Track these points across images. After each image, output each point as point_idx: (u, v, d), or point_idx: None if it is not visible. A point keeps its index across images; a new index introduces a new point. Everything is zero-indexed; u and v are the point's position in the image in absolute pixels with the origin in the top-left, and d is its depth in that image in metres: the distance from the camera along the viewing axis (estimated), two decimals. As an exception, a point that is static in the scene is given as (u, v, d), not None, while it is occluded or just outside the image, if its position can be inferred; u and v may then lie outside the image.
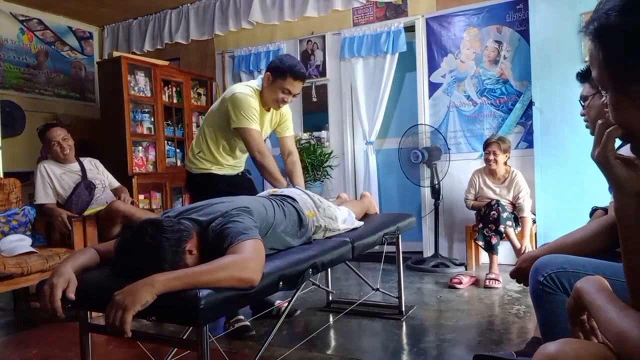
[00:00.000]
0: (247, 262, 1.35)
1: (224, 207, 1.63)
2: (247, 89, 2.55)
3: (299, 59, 4.69)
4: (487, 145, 3.60)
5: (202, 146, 2.64)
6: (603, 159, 0.76)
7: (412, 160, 3.95)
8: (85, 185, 3.26)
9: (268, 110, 2.64)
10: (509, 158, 3.62)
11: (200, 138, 2.66)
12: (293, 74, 2.50)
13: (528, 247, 3.37)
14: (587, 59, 3.08)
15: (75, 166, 3.32)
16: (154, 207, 4.52)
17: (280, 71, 2.49)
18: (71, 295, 1.32)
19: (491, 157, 3.55)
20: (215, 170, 2.65)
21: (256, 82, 2.61)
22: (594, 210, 1.81)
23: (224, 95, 2.61)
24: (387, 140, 4.75)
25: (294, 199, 2.05)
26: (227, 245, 1.42)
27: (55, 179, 3.22)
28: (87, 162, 3.42)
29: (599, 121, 0.79)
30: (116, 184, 3.52)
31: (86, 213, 3.13)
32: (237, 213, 1.57)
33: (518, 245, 3.37)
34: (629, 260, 0.78)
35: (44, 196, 3.18)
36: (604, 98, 0.79)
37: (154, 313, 1.23)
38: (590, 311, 0.82)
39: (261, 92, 2.58)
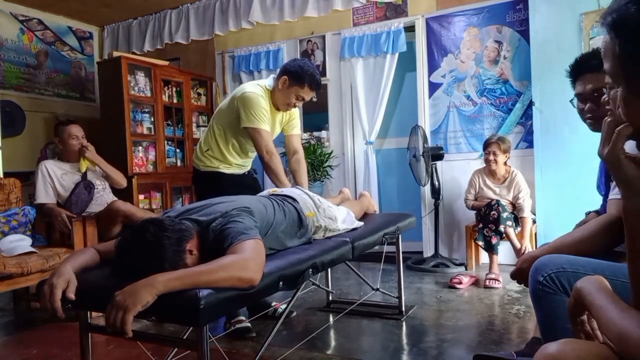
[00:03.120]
0: (247, 261, 1.35)
1: (224, 207, 1.63)
2: (257, 88, 2.54)
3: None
4: (487, 145, 3.61)
5: (211, 144, 2.64)
6: (614, 157, 0.74)
7: (408, 161, 3.97)
8: (85, 185, 3.26)
9: (278, 110, 2.64)
10: (508, 158, 3.62)
11: (209, 136, 2.66)
12: (311, 84, 2.51)
13: (528, 247, 3.37)
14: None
15: (77, 166, 3.33)
16: (154, 207, 4.52)
17: (299, 78, 2.49)
18: (71, 295, 1.32)
19: (491, 157, 3.55)
20: (223, 169, 2.65)
21: (267, 82, 2.60)
22: (587, 215, 1.82)
23: (234, 93, 2.61)
24: (387, 140, 4.75)
25: (294, 199, 2.05)
26: (227, 245, 1.42)
27: (56, 179, 3.22)
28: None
29: (607, 119, 0.77)
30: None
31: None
32: (237, 213, 1.57)
33: (518, 245, 3.37)
34: (635, 259, 0.78)
35: (45, 196, 3.18)
36: (614, 91, 0.77)
37: (154, 313, 1.23)
38: (590, 311, 0.82)
39: (272, 92, 2.57)
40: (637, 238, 0.77)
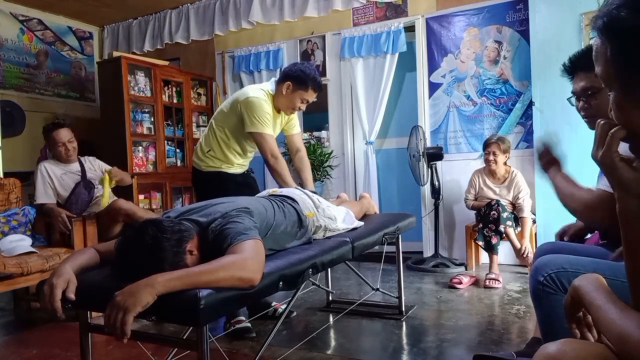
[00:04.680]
0: (246, 261, 1.35)
1: (223, 207, 1.63)
2: (260, 93, 2.57)
3: (299, 59, 4.72)
4: (486, 145, 3.60)
5: (212, 145, 2.65)
6: (608, 160, 0.74)
7: (408, 161, 3.97)
8: (84, 185, 3.26)
9: (278, 112, 2.67)
10: (508, 158, 3.61)
11: (210, 137, 2.67)
12: (315, 86, 2.56)
13: (528, 247, 3.37)
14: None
15: (76, 166, 3.32)
16: (154, 207, 4.52)
17: (302, 82, 2.53)
18: (71, 295, 1.32)
19: (491, 157, 3.55)
20: (225, 168, 2.67)
21: (269, 86, 2.63)
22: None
23: (237, 97, 2.62)
24: (387, 140, 4.75)
25: (293, 200, 2.05)
26: (227, 245, 1.42)
27: (55, 179, 3.22)
28: (88, 162, 3.42)
29: (601, 121, 0.77)
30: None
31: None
32: (237, 214, 1.57)
33: (518, 245, 3.37)
34: (632, 260, 0.78)
35: (44, 196, 3.18)
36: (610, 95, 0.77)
37: (154, 313, 1.22)
38: (589, 310, 0.81)
39: (274, 96, 2.61)
40: (633, 239, 0.76)
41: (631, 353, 0.67)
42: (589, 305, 0.81)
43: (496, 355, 1.85)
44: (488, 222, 3.41)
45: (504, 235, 3.38)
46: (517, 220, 3.49)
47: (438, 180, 3.96)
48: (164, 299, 1.21)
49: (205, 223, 1.55)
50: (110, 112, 4.44)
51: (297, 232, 1.94)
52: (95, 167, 3.42)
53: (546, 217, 3.46)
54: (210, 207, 1.66)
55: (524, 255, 3.36)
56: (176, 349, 1.93)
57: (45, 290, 1.32)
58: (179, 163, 4.91)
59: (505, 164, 3.60)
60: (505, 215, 3.37)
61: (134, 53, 5.07)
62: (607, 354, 0.73)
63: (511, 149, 3.67)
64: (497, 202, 3.44)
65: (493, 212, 3.40)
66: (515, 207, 3.54)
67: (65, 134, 3.25)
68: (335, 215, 2.20)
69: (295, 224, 1.94)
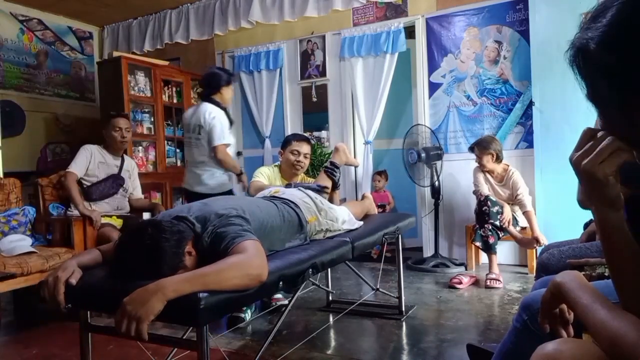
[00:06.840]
0: (252, 259, 1.35)
1: (219, 209, 1.61)
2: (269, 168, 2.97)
3: (299, 59, 4.73)
4: (473, 151, 3.57)
5: None
6: (600, 174, 0.70)
7: (409, 160, 3.95)
8: (115, 179, 3.28)
9: (292, 179, 2.89)
10: (498, 156, 3.53)
11: None
12: (295, 138, 2.92)
13: (541, 237, 3.30)
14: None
15: (117, 161, 3.34)
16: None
17: (285, 141, 2.93)
18: (72, 281, 1.35)
19: (477, 161, 3.53)
20: None
21: (274, 164, 3.02)
22: (587, 224, 1.82)
23: None
24: (387, 141, 4.75)
25: (296, 204, 2.03)
26: (227, 247, 1.41)
27: (93, 161, 3.23)
28: (128, 162, 3.44)
29: (586, 128, 0.75)
30: (140, 195, 3.55)
31: (104, 220, 3.13)
32: (231, 216, 1.55)
33: (519, 236, 3.39)
34: (615, 267, 0.77)
35: (74, 164, 3.16)
36: None
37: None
38: (574, 308, 0.80)
39: (280, 168, 2.93)
40: (615, 251, 0.76)
41: (624, 355, 0.66)
42: (574, 304, 0.79)
43: (487, 348, 1.86)
44: (483, 221, 3.39)
45: (501, 229, 3.36)
46: (516, 220, 3.49)
47: (438, 180, 3.96)
48: (164, 299, 1.20)
49: (202, 225, 1.53)
50: (110, 112, 4.44)
51: (294, 236, 1.94)
52: (130, 169, 3.44)
53: (546, 217, 3.46)
54: (205, 207, 1.65)
55: (539, 244, 3.30)
56: (176, 349, 1.93)
57: (50, 282, 1.34)
58: (179, 163, 4.91)
59: (500, 162, 3.54)
60: (495, 209, 3.36)
61: (134, 53, 5.07)
62: (603, 354, 0.72)
63: (511, 149, 3.63)
64: (487, 197, 3.42)
65: (484, 207, 3.38)
66: (517, 204, 3.50)
67: (124, 122, 3.33)
68: (337, 217, 2.20)
69: (295, 229, 1.93)
